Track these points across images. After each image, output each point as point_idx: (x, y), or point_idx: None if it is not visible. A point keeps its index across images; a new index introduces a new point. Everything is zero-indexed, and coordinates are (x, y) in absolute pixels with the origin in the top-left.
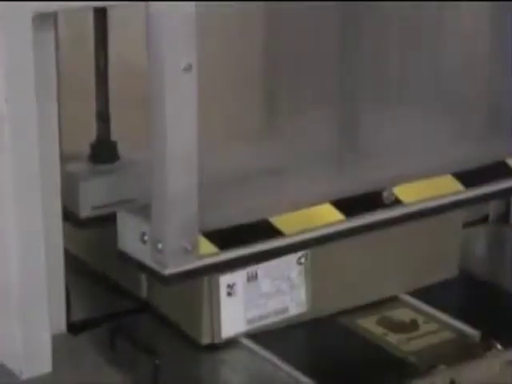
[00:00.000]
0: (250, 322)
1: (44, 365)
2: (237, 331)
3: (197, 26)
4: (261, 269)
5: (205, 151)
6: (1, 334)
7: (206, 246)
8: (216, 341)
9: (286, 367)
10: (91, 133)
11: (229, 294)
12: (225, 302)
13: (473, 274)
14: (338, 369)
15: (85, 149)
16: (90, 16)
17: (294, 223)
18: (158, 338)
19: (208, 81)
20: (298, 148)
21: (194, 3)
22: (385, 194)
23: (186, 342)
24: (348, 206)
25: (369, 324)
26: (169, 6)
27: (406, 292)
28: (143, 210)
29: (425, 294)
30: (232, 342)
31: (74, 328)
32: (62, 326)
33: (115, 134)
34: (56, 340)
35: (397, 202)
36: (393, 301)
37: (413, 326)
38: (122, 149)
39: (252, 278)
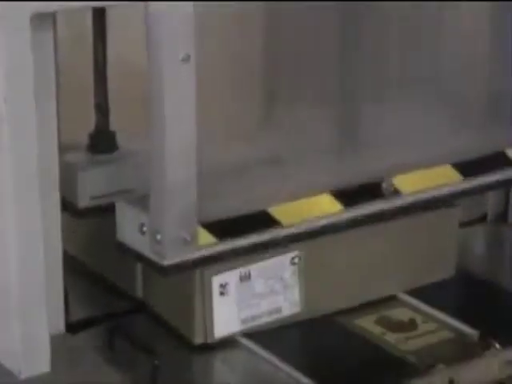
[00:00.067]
0: (243, 321)
1: (42, 364)
2: (230, 331)
3: (196, 24)
4: (254, 269)
5: (204, 142)
6: None
7: (205, 237)
8: (209, 340)
9: (286, 367)
10: (90, 123)
11: (221, 294)
12: (217, 301)
13: (471, 274)
14: (336, 368)
15: (83, 139)
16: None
17: (292, 214)
18: (157, 337)
19: (207, 73)
20: (297, 139)
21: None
22: (384, 185)
23: (184, 341)
24: (347, 196)
25: (367, 323)
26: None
27: (401, 292)
28: (142, 201)
29: (423, 293)
30: (230, 342)
31: (72, 328)
32: (61, 325)
33: (114, 125)
34: (54, 340)
35: (396, 192)
36: (391, 300)
37: (411, 325)
38: (120, 139)
39: (245, 277)
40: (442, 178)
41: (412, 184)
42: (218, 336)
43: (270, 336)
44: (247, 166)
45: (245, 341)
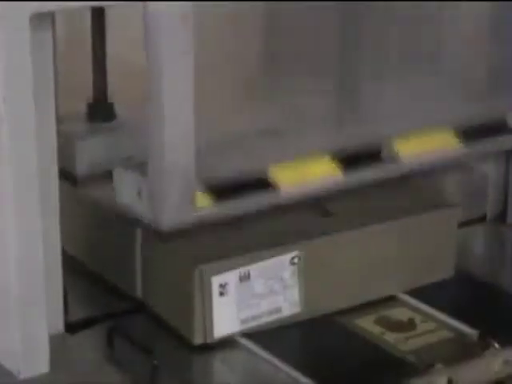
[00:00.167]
0: (242, 322)
1: (42, 365)
2: (229, 331)
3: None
4: (254, 269)
5: (203, 106)
6: None
7: (203, 200)
8: (208, 341)
9: (285, 367)
10: (88, 93)
11: (221, 294)
12: (217, 301)
13: (470, 274)
14: (336, 368)
15: (82, 109)
16: None
17: (291, 176)
18: (157, 337)
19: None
20: (298, 105)
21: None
22: (384, 150)
23: (184, 342)
24: (346, 161)
25: (366, 323)
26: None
27: (401, 292)
28: (140, 165)
29: (422, 293)
30: (230, 342)
31: (71, 328)
32: (60, 325)
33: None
34: (54, 340)
35: (395, 157)
36: (390, 300)
37: (410, 325)
38: (118, 108)
39: (245, 278)
40: (443, 144)
41: (412, 149)
42: (217, 336)
43: (270, 336)
44: (247, 130)
45: (244, 341)
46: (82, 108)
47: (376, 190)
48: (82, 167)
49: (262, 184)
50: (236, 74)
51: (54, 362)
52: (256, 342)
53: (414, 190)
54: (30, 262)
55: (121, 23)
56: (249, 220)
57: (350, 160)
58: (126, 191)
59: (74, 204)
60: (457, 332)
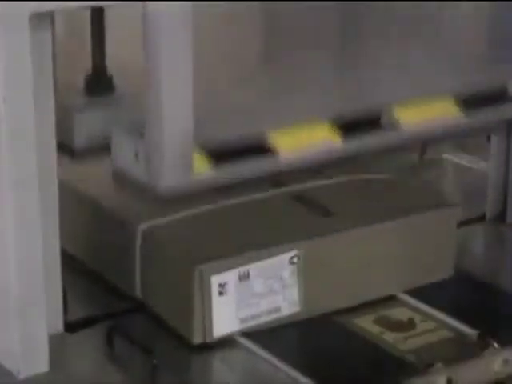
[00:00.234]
0: (242, 321)
1: (41, 364)
2: (229, 331)
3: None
4: (253, 268)
5: (202, 70)
6: None
7: (201, 163)
8: (208, 340)
9: (285, 367)
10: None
11: (220, 294)
12: (216, 301)
13: (470, 273)
14: (335, 368)
15: (80, 82)
16: None
17: (290, 142)
18: (156, 337)
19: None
20: (298, 70)
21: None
22: (384, 117)
23: (184, 341)
24: (346, 127)
25: (366, 323)
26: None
27: (400, 291)
28: (138, 128)
29: (422, 293)
30: (229, 342)
31: (71, 327)
32: (60, 325)
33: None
34: (53, 339)
35: (396, 124)
36: (390, 300)
37: (410, 324)
38: (117, 81)
39: (244, 277)
40: (443, 113)
41: (412, 117)
42: (216, 335)
43: (269, 335)
44: (246, 94)
45: (244, 340)
46: (80, 81)
47: (376, 189)
48: (80, 140)
49: (261, 150)
50: (236, 45)
51: (53, 361)
52: (255, 342)
53: (414, 189)
54: (30, 261)
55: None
56: (249, 218)
57: (349, 127)
58: (124, 154)
59: (74, 203)
60: (456, 332)
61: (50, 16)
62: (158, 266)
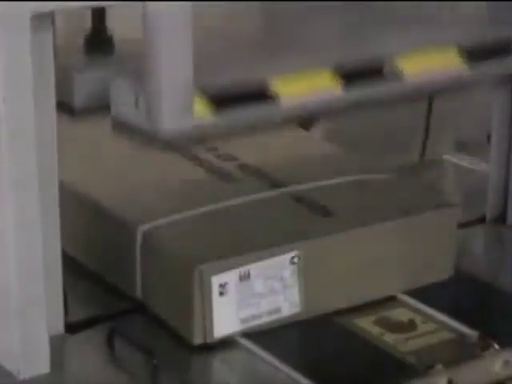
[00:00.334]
0: (242, 321)
1: (42, 365)
2: (229, 331)
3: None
4: (253, 268)
5: (203, 18)
6: None
7: (202, 107)
8: (208, 340)
9: (285, 367)
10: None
11: (221, 294)
12: (217, 301)
13: (470, 275)
14: (335, 369)
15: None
16: None
17: (291, 89)
18: (156, 337)
19: None
20: (300, 21)
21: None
22: (386, 66)
23: (184, 341)
24: (348, 75)
25: (366, 324)
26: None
27: (400, 292)
28: (137, 74)
29: (422, 293)
30: (230, 342)
31: (71, 328)
32: (60, 326)
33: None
34: (54, 340)
35: (398, 74)
36: (390, 301)
37: (410, 326)
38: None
39: (244, 277)
40: (446, 64)
41: (414, 67)
42: (217, 336)
43: (270, 336)
44: (249, 40)
45: (244, 341)
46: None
47: (376, 189)
48: (79, 99)
49: (263, 96)
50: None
51: (54, 362)
52: (256, 342)
53: (414, 190)
54: (30, 262)
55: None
56: (249, 219)
57: (351, 76)
58: (124, 101)
59: (74, 204)
60: (457, 333)
61: (50, 16)
62: (158, 267)
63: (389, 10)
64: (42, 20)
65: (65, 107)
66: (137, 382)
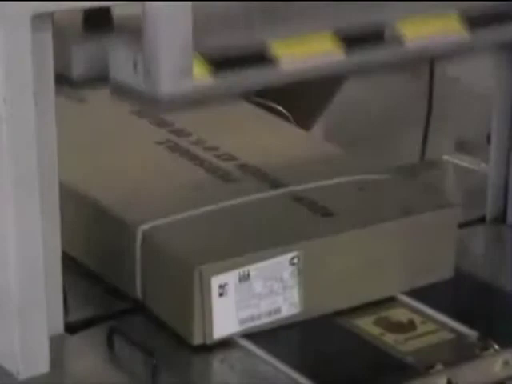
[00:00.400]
0: (242, 322)
1: (41, 365)
2: (229, 332)
3: None
4: (253, 269)
5: None
6: None
7: (201, 70)
8: (208, 341)
9: (285, 368)
10: None
11: (220, 295)
12: (216, 302)
13: (470, 275)
14: (335, 369)
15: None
16: None
17: (292, 53)
18: (156, 338)
19: None
20: None
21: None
22: (387, 30)
23: (184, 342)
24: (349, 39)
25: (366, 324)
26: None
27: (400, 292)
28: (135, 35)
29: (422, 294)
30: (229, 343)
31: (71, 328)
32: (60, 326)
33: None
34: (53, 340)
35: (399, 39)
36: (390, 301)
37: (410, 326)
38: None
39: (244, 278)
40: (447, 29)
41: (415, 32)
42: (217, 337)
43: (269, 337)
44: (247, 4)
45: (244, 341)
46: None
47: (376, 190)
48: (78, 72)
49: (262, 59)
50: None
51: (53, 362)
52: (255, 343)
53: (414, 190)
54: (30, 262)
55: None
56: (249, 219)
57: (352, 40)
58: (122, 64)
59: (74, 204)
60: (456, 333)
61: (50, 16)
62: (158, 267)
63: None
64: (43, 20)
65: (64, 79)
66: (137, 382)
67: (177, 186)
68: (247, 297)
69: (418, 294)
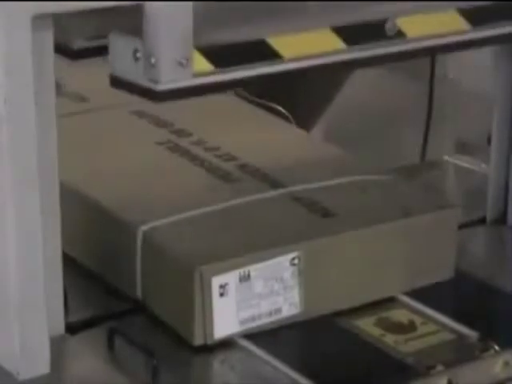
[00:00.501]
0: (242, 322)
1: (42, 366)
2: (229, 332)
3: None
4: (254, 269)
5: None
6: None
7: (201, 62)
8: (208, 342)
9: (285, 368)
10: None
11: (221, 295)
12: (217, 302)
13: (471, 275)
14: (335, 370)
15: None
16: None
17: (292, 46)
18: (157, 338)
19: None
20: None
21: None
22: (387, 25)
23: (184, 342)
24: (349, 34)
25: (366, 325)
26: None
27: (401, 293)
28: (136, 28)
29: (423, 294)
30: (230, 343)
31: (71, 329)
32: (60, 326)
33: None
34: (54, 341)
35: (400, 34)
36: (390, 301)
37: (410, 326)
38: None
39: (245, 278)
40: (449, 24)
41: (417, 27)
42: (217, 337)
43: (270, 337)
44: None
45: (244, 342)
46: None
47: (376, 190)
48: (79, 41)
49: (263, 53)
50: None
51: (54, 362)
52: (256, 343)
53: (415, 190)
54: (30, 262)
55: None
56: (249, 219)
57: (353, 34)
58: (122, 57)
59: (74, 204)
60: (457, 334)
61: (50, 16)
62: (158, 267)
63: None
64: (43, 20)
65: (64, 49)
66: (137, 383)
67: (177, 187)
68: (248, 297)
69: (418, 294)
